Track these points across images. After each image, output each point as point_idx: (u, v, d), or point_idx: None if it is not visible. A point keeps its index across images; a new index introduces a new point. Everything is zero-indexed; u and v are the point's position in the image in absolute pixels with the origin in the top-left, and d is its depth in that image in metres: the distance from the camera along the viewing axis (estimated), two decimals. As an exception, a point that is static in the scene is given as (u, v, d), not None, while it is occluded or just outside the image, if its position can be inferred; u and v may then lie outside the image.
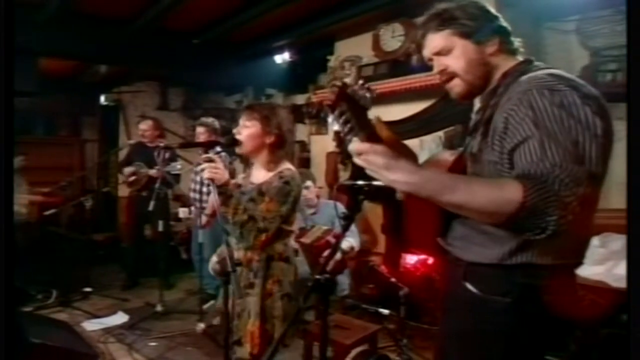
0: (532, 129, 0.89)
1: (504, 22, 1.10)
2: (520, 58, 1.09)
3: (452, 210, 0.93)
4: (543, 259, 0.97)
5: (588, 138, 0.88)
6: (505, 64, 1.07)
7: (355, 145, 0.88)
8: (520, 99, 0.93)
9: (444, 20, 1.08)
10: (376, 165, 0.88)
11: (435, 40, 1.09)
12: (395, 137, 0.93)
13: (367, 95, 0.89)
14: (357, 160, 0.90)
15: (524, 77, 1.00)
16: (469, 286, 1.06)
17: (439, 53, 1.10)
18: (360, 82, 0.89)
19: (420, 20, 1.15)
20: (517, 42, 1.10)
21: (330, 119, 0.87)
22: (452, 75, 1.09)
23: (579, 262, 1.05)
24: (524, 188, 0.84)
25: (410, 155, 0.93)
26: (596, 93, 0.95)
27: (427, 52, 1.13)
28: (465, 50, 1.07)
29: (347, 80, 0.92)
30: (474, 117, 1.14)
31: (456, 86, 1.10)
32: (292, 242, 1.85)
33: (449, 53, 1.08)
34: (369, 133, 0.88)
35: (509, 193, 0.85)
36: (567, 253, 1.00)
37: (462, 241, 1.09)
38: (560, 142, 0.87)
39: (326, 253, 2.71)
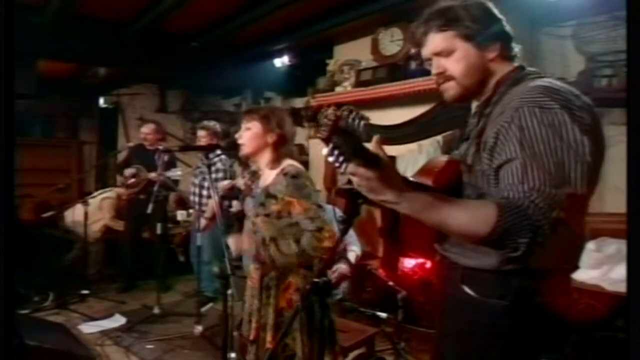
0: (517, 151, 0.91)
1: (507, 27, 1.07)
2: (515, 64, 1.08)
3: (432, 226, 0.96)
4: (539, 264, 0.99)
5: (574, 159, 0.89)
6: (501, 70, 1.06)
7: (349, 167, 0.91)
8: (512, 116, 0.94)
9: (448, 21, 1.04)
10: (364, 188, 0.92)
11: (436, 41, 1.06)
12: (386, 158, 0.95)
13: (362, 123, 0.89)
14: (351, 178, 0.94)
15: (518, 89, 0.99)
16: (466, 289, 1.07)
17: (439, 54, 1.07)
18: (353, 113, 0.90)
19: (422, 16, 1.09)
20: (516, 48, 1.08)
21: (324, 151, 0.87)
22: (449, 78, 1.07)
23: (574, 267, 1.07)
24: (498, 212, 0.87)
25: (396, 174, 0.95)
26: (589, 103, 0.95)
27: (426, 52, 1.09)
28: (467, 54, 1.04)
29: (340, 112, 0.92)
30: (469, 122, 1.15)
31: (451, 89, 1.08)
32: None
33: (449, 55, 1.05)
34: (364, 159, 0.89)
35: (484, 216, 0.89)
36: (561, 259, 1.02)
37: (458, 248, 1.11)
38: (544, 164, 0.88)
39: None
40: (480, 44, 1.03)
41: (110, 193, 4.33)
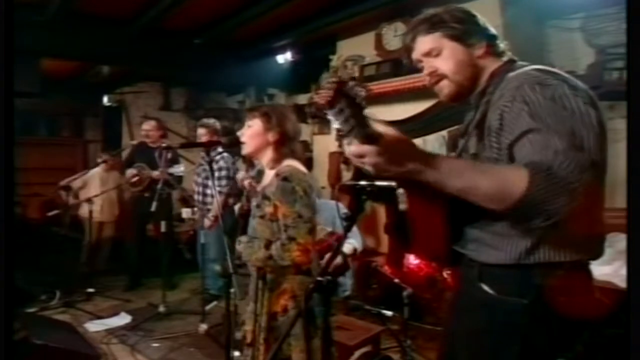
0: (530, 122, 0.91)
1: (490, 28, 1.13)
2: (505, 59, 1.11)
3: (459, 195, 0.93)
4: (559, 255, 0.97)
5: (584, 127, 0.90)
6: (492, 65, 1.10)
7: (351, 149, 0.89)
8: (513, 95, 0.95)
9: (433, 24, 1.11)
10: (378, 165, 0.89)
11: (424, 43, 1.12)
12: (392, 130, 0.92)
13: (362, 93, 0.88)
14: (357, 163, 0.91)
15: (512, 74, 1.02)
16: (485, 287, 1.04)
17: (428, 54, 1.12)
18: (353, 80, 0.89)
19: (409, 24, 1.17)
20: (503, 44, 1.13)
21: (329, 116, 0.87)
22: (441, 77, 1.11)
23: (595, 259, 1.04)
24: (530, 174, 0.86)
25: (411, 144, 0.94)
26: (584, 86, 0.97)
27: (416, 54, 1.15)
28: (454, 52, 1.09)
29: (342, 76, 0.91)
30: (466, 118, 1.15)
31: (445, 87, 1.11)
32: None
33: (438, 55, 1.10)
34: (368, 133, 0.87)
35: (514, 178, 0.87)
36: (581, 248, 0.99)
37: (475, 244, 1.08)
38: (560, 132, 0.89)
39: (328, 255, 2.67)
40: (466, 42, 1.09)
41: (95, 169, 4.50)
